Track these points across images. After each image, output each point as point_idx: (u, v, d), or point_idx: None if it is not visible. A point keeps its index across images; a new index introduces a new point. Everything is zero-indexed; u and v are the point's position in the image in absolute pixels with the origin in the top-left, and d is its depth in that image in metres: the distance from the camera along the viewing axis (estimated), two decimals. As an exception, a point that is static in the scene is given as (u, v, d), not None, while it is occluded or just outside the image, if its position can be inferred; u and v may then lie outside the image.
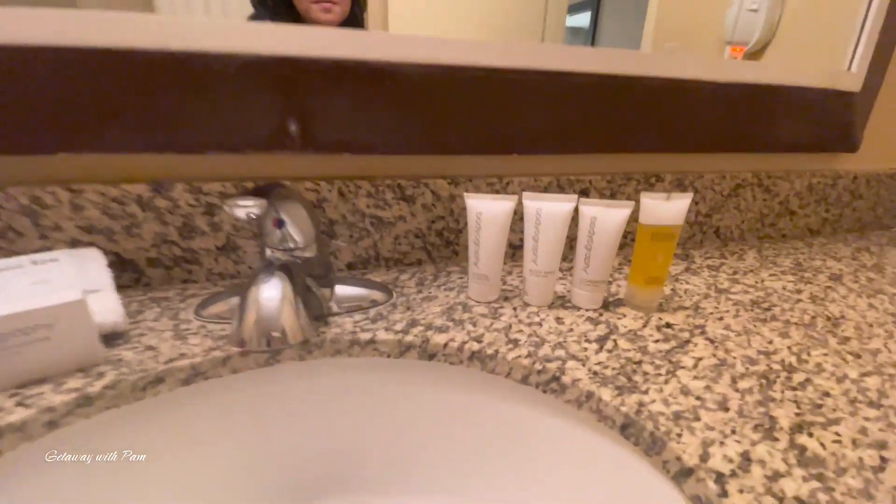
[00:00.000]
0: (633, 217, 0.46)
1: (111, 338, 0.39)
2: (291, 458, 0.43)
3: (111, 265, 0.45)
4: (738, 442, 0.31)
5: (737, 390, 0.36)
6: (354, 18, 0.65)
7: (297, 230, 0.38)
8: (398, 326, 0.43)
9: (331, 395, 0.43)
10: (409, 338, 0.41)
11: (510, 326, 0.44)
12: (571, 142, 0.59)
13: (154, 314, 0.43)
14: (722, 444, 0.31)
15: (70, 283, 0.38)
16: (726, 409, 0.34)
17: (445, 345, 0.41)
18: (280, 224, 0.38)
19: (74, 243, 0.45)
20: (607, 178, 0.62)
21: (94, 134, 0.43)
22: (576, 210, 0.45)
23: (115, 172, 0.45)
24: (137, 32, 0.41)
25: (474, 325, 0.44)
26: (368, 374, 0.43)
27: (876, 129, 0.77)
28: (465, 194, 0.46)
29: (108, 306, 0.38)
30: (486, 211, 0.45)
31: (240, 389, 0.40)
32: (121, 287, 0.48)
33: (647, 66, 0.57)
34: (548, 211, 0.44)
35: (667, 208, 0.44)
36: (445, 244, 0.58)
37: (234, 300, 0.44)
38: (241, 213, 0.29)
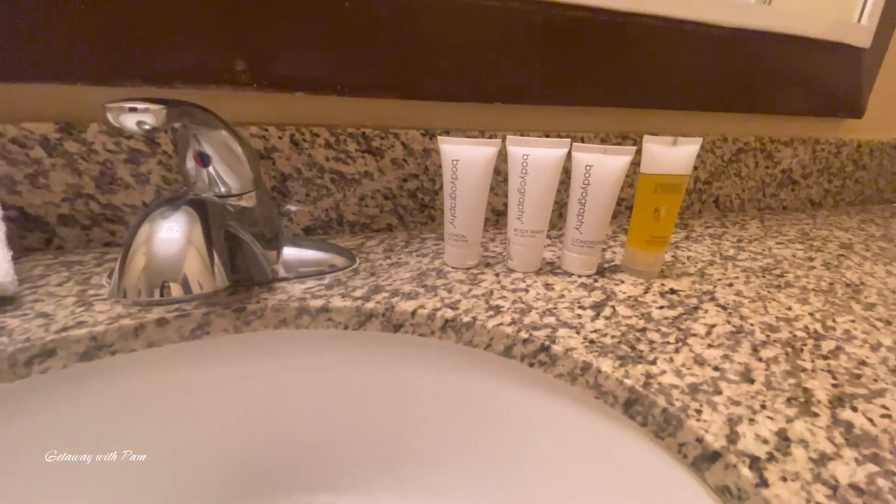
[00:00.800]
0: (629, 183, 0.40)
1: (-7, 304, 0.31)
2: (222, 452, 0.36)
3: (14, 221, 0.37)
4: (771, 418, 0.25)
5: (760, 359, 0.30)
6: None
7: (227, 170, 0.31)
8: (357, 293, 0.36)
9: (274, 376, 0.36)
10: (369, 305, 0.34)
11: (491, 292, 0.37)
12: (560, 92, 0.52)
13: (59, 279, 0.35)
14: (752, 421, 0.25)
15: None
16: (751, 381, 0.28)
17: (414, 312, 0.34)
18: (204, 160, 0.30)
19: (-38, 195, 0.37)
20: (601, 137, 0.56)
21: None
22: (568, 159, 0.39)
23: (14, 108, 0.37)
24: None
25: (449, 291, 0.37)
26: (320, 349, 0.36)
27: (881, 94, 0.72)
28: (438, 138, 0.39)
29: (-12, 264, 0.31)
30: (465, 157, 0.38)
31: (159, 368, 0.32)
32: (27, 249, 0.40)
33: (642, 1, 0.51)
34: (537, 157, 0.38)
35: (674, 155, 0.38)
36: (420, 208, 0.51)
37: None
38: (129, 122, 0.21)
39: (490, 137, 0.50)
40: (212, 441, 0.36)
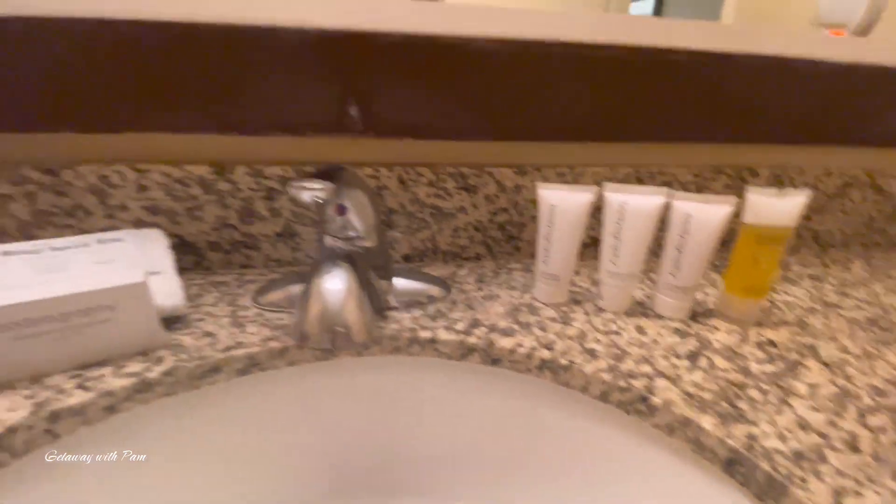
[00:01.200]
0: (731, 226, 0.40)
1: (171, 321, 0.38)
2: (341, 454, 0.41)
3: (174, 247, 0.44)
4: (879, 494, 0.25)
5: (867, 427, 0.30)
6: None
7: (358, 218, 0.36)
8: (459, 326, 0.39)
9: (386, 393, 0.40)
10: (472, 339, 0.38)
11: (584, 334, 0.40)
12: (653, 128, 0.53)
13: (213, 298, 0.42)
14: (858, 494, 0.25)
15: (133, 263, 0.38)
16: (857, 451, 0.28)
17: (513, 350, 0.37)
18: (342, 210, 0.35)
19: (139, 224, 0.45)
20: (693, 172, 0.55)
21: (159, 113, 0.42)
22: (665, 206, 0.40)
23: (179, 153, 0.45)
24: (198, 4, 0.39)
25: (543, 329, 0.40)
26: (425, 373, 0.40)
27: None
28: (538, 184, 0.42)
29: (169, 289, 0.38)
30: (562, 204, 0.40)
31: (294, 382, 0.38)
32: (182, 269, 0.47)
33: (741, 41, 0.50)
34: (634, 206, 0.39)
35: (779, 207, 0.38)
36: (507, 239, 0.54)
37: (292, 288, 0.43)
38: (306, 197, 0.26)
39: (579, 174, 0.52)
40: (325, 442, 0.41)
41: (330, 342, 0.24)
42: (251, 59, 0.42)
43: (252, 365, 0.36)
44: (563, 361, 0.36)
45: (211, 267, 0.48)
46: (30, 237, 0.44)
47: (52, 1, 0.38)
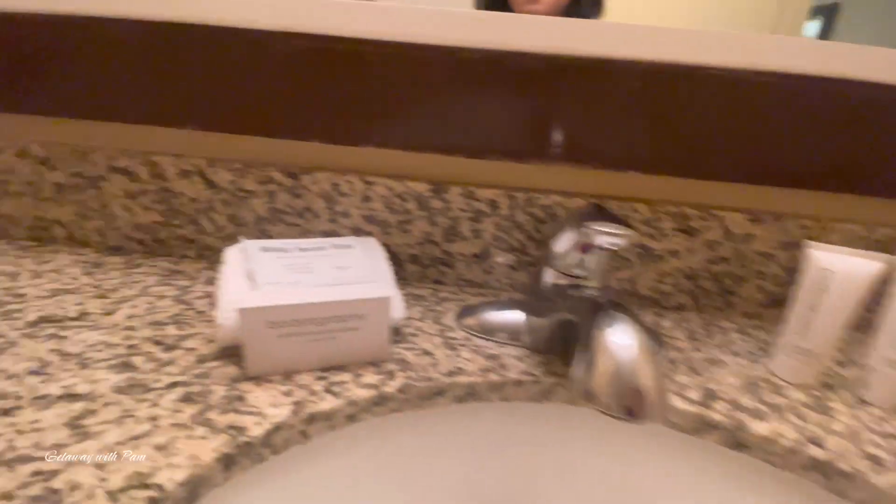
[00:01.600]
0: None
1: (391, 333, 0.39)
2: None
3: (381, 256, 0.46)
4: None
5: None
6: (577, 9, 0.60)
7: (596, 259, 0.33)
8: (692, 394, 0.35)
9: (595, 451, 0.37)
10: (714, 415, 0.33)
11: (856, 433, 0.32)
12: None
13: (417, 312, 0.43)
14: None
15: (365, 273, 0.39)
16: None
17: (771, 439, 0.31)
18: (586, 249, 0.33)
19: (356, 231, 0.47)
20: None
21: (390, 131, 0.44)
22: None
23: (403, 169, 0.47)
24: (427, 29, 0.40)
25: (801, 417, 0.33)
26: (650, 441, 0.35)
27: None
28: (811, 244, 0.35)
29: (392, 302, 0.38)
30: (843, 271, 0.33)
31: (501, 417, 0.36)
32: (382, 278, 0.49)
33: None
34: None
35: None
36: (720, 292, 0.47)
37: (496, 315, 0.41)
38: (602, 242, 0.24)
39: (823, 229, 0.44)
40: (512, 485, 0.39)
41: (625, 410, 0.22)
42: (474, 85, 0.42)
43: (469, 394, 0.35)
44: (844, 467, 0.29)
45: (407, 278, 0.49)
46: (262, 231, 0.48)
47: (315, 23, 0.41)
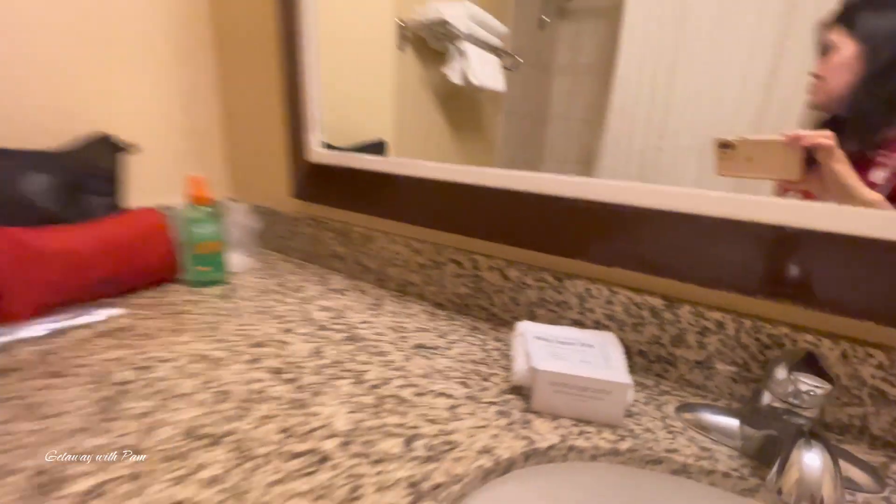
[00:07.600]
0: None
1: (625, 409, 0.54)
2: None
3: (616, 346, 0.62)
4: None
5: None
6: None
7: (813, 397, 0.42)
8: (908, 538, 0.39)
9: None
10: (929, 562, 0.37)
11: None
12: None
13: (642, 398, 0.57)
14: None
15: (608, 364, 0.56)
16: None
17: None
18: (801, 391, 0.42)
19: (597, 324, 0.65)
20: None
21: (638, 259, 0.61)
22: None
23: (642, 284, 0.63)
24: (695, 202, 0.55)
25: None
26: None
27: None
28: None
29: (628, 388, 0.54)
30: None
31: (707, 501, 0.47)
32: (612, 362, 0.64)
33: None
34: None
35: None
36: (982, 458, 0.46)
37: (714, 416, 0.52)
38: (802, 387, 0.35)
39: None
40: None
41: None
42: (720, 245, 0.55)
43: (682, 470, 0.47)
44: None
45: (633, 368, 0.64)
46: (530, 312, 0.70)
47: (612, 196, 0.62)
